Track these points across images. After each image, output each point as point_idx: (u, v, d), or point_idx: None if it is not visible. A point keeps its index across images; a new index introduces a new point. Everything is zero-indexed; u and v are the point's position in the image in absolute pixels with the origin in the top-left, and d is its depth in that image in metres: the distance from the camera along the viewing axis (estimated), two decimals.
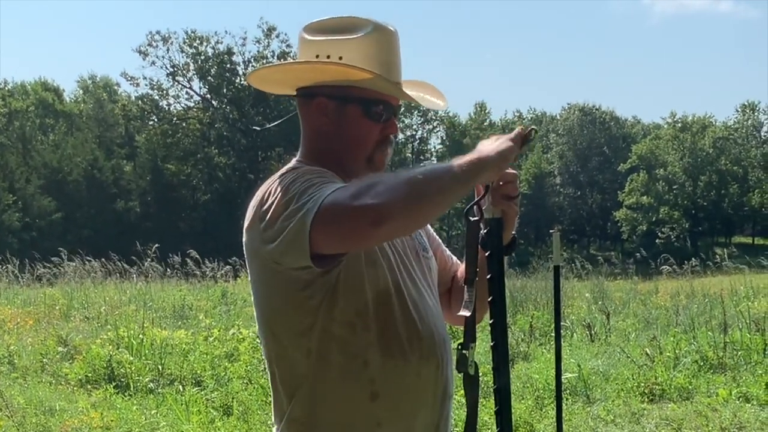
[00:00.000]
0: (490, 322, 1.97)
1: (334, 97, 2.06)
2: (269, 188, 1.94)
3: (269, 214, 1.88)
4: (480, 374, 2.01)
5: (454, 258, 2.39)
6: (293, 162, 2.11)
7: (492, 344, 1.97)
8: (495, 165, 1.85)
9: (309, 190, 1.82)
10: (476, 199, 2.00)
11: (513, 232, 2.12)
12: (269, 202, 1.90)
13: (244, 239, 2.01)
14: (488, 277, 1.97)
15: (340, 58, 2.01)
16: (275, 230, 1.85)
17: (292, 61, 2.13)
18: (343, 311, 1.92)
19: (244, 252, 2.03)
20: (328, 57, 2.03)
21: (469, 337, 1.96)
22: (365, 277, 1.95)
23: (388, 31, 2.08)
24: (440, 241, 2.39)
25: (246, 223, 1.99)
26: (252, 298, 2.09)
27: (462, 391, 2.03)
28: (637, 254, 20.37)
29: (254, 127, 52.17)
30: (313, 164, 2.04)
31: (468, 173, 1.80)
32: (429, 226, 2.36)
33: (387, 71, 2.04)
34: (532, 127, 1.94)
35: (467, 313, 1.96)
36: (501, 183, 2.02)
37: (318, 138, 2.11)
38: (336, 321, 1.92)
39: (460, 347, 1.95)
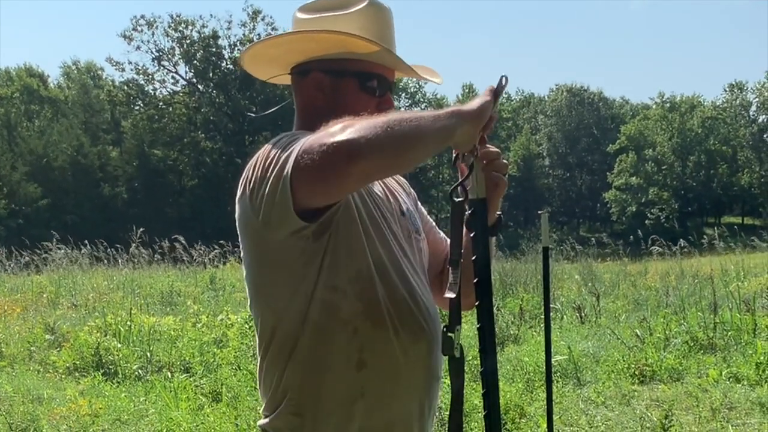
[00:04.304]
0: (476, 303, 1.94)
1: (329, 72, 2.04)
2: (257, 156, 1.90)
3: (254, 179, 1.85)
4: (470, 357, 1.97)
5: (448, 240, 2.34)
6: None
7: (478, 326, 1.94)
8: (474, 118, 1.83)
9: (290, 146, 1.78)
10: (460, 180, 1.97)
11: (498, 212, 2.09)
12: (254, 168, 1.87)
13: (236, 211, 1.98)
14: (473, 258, 1.94)
15: None
16: (259, 193, 1.82)
17: (289, 32, 2.07)
18: (335, 277, 1.90)
19: (237, 225, 2.00)
20: None
21: (455, 319, 1.94)
22: (358, 244, 1.93)
23: (382, 7, 2.06)
24: (433, 223, 2.37)
25: (237, 194, 1.96)
26: (244, 274, 2.05)
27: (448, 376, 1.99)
28: (631, 236, 20.35)
29: (249, 114, 51.88)
30: None
31: (448, 122, 1.77)
32: (422, 209, 2.35)
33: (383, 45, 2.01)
34: (502, 75, 1.91)
35: (452, 295, 1.93)
36: (485, 162, 1.99)
37: (312, 114, 2.07)
38: (328, 287, 1.90)
39: (445, 329, 1.93)
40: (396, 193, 2.21)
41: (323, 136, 1.66)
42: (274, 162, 1.79)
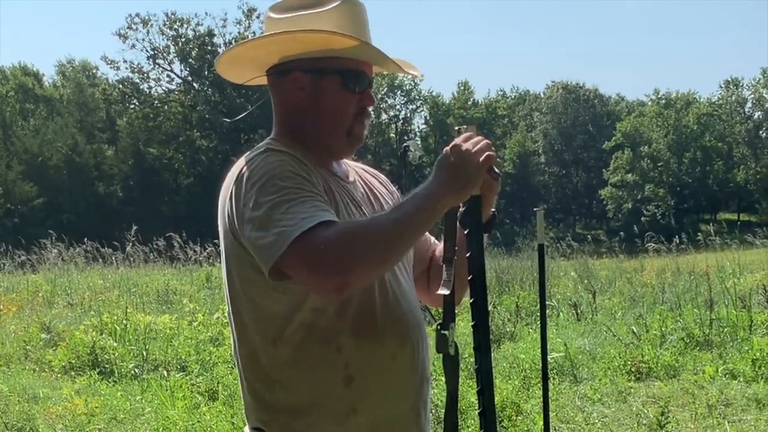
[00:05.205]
0: (471, 301, 1.92)
1: (310, 71, 1.99)
2: (246, 173, 1.86)
3: (237, 217, 1.84)
4: (465, 355, 1.95)
5: (433, 238, 2.32)
6: (267, 141, 2.04)
7: (473, 324, 1.92)
8: (457, 199, 1.88)
9: (286, 205, 1.76)
10: None
11: (492, 209, 2.05)
12: (239, 201, 1.84)
13: (219, 215, 1.94)
14: (467, 255, 1.93)
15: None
16: (250, 232, 1.80)
17: (268, 33, 2.00)
18: (314, 298, 1.87)
19: (219, 227, 1.96)
20: None
21: (449, 316, 1.91)
22: None
23: (356, 3, 2.01)
24: None
25: (223, 202, 1.93)
26: (223, 277, 2.01)
27: (443, 374, 1.98)
28: (621, 233, 20.36)
29: (224, 120, 51.84)
30: (290, 143, 1.98)
31: (433, 215, 1.83)
32: None
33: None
34: (498, 172, 1.89)
35: (446, 292, 1.90)
36: None
37: (294, 115, 2.04)
38: (307, 308, 1.87)
39: (439, 328, 1.90)
40: (378, 194, 2.18)
41: (321, 253, 1.69)
42: (260, 221, 1.78)
